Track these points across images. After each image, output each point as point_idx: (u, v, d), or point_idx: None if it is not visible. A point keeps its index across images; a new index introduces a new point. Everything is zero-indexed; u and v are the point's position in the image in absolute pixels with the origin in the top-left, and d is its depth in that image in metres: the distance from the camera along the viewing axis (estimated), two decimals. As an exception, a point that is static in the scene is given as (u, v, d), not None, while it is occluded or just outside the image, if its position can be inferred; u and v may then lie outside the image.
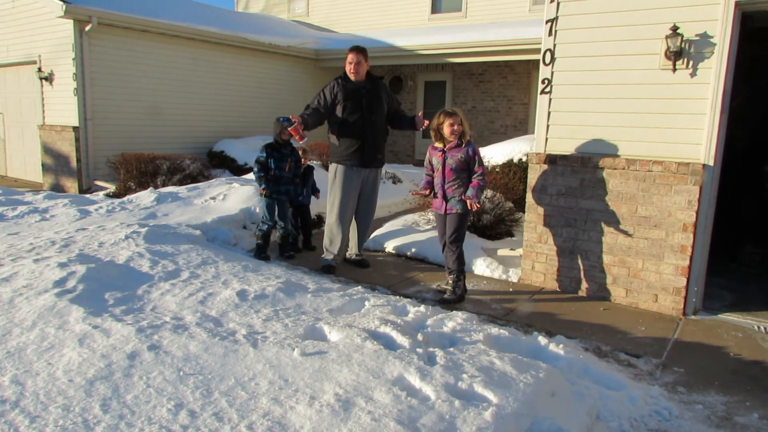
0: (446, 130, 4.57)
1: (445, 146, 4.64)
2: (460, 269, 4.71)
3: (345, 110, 5.27)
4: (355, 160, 5.36)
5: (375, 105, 5.36)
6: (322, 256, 5.59)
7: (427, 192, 4.83)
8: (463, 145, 4.59)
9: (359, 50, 5.30)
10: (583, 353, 3.64)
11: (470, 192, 4.54)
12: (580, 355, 3.49)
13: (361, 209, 5.59)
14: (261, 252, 5.73)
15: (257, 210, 6.68)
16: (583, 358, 3.46)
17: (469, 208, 4.55)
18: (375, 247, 6.33)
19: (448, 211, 4.68)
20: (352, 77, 5.28)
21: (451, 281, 4.74)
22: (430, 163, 4.80)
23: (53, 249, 4.62)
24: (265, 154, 5.70)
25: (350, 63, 5.25)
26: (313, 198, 6.48)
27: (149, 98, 10.12)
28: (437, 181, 4.71)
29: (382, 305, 3.78)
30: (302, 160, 6.19)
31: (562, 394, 2.76)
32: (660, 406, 3.11)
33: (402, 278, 5.36)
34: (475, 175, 4.58)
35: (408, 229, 6.53)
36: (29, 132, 10.82)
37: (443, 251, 4.89)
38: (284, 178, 5.76)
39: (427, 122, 5.11)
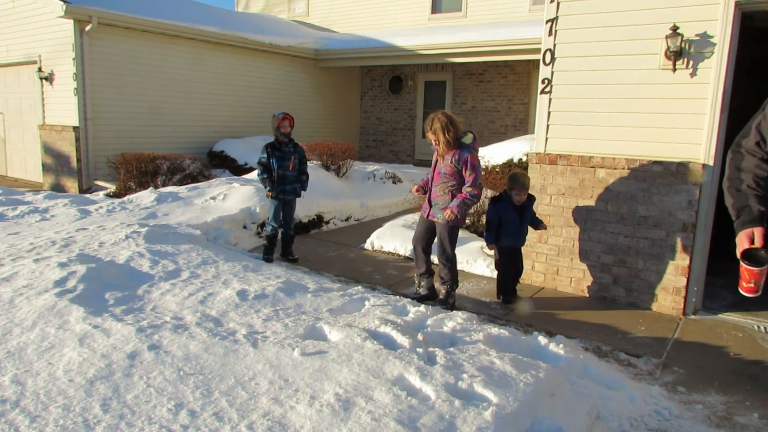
0: (431, 139, 4.36)
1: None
2: (454, 280, 4.51)
3: None
4: None
5: None
6: None
7: (417, 191, 4.65)
8: (457, 150, 4.25)
9: None
10: (583, 353, 3.65)
11: (453, 202, 4.26)
12: (580, 355, 3.49)
13: None
14: (268, 253, 5.71)
15: (257, 210, 6.68)
16: (583, 358, 3.46)
17: (446, 216, 4.27)
18: (375, 247, 6.33)
19: (430, 217, 4.47)
20: None
21: (444, 290, 4.55)
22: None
23: (53, 249, 4.62)
24: (266, 155, 5.61)
25: None
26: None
27: (149, 98, 10.13)
28: (429, 183, 4.54)
29: (382, 305, 3.78)
30: (523, 195, 4.64)
31: (562, 394, 2.76)
32: (660, 405, 3.11)
33: (402, 278, 5.36)
34: (465, 186, 4.27)
35: (408, 228, 6.54)
36: (29, 132, 10.83)
37: (414, 250, 4.70)
38: (289, 177, 5.67)
39: None
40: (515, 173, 4.70)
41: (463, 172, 4.27)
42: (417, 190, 4.66)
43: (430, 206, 4.47)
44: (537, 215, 4.90)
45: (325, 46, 12.81)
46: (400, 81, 13.88)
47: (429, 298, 4.65)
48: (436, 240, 4.52)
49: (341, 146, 9.05)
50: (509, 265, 4.75)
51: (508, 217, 4.62)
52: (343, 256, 6.17)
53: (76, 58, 9.11)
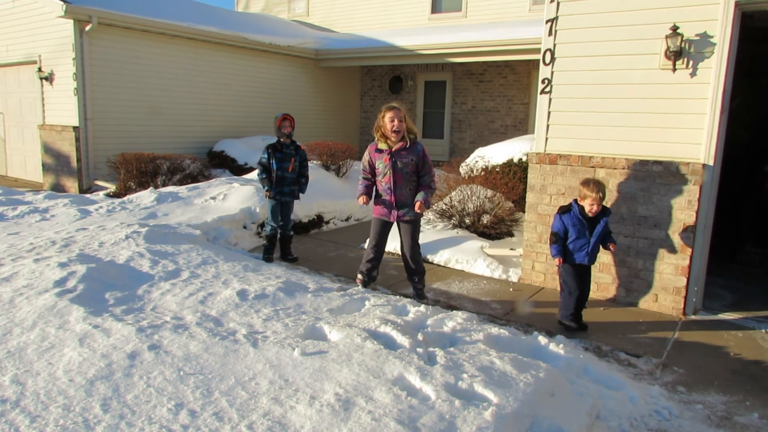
0: (387, 125, 4.21)
1: (391, 148, 4.28)
2: (424, 270, 4.67)
3: None
4: None
5: None
6: None
7: (364, 202, 4.42)
8: (411, 145, 4.28)
9: None
10: (583, 353, 3.65)
11: (421, 196, 4.26)
12: (580, 355, 3.49)
13: None
14: (267, 253, 5.73)
15: (257, 210, 6.68)
16: (583, 358, 3.47)
17: (418, 210, 4.28)
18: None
19: (399, 218, 4.40)
20: None
21: (420, 286, 4.65)
22: (371, 165, 4.40)
23: (53, 249, 4.62)
24: (266, 156, 5.63)
25: None
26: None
27: (149, 98, 10.13)
28: (385, 186, 4.36)
29: (382, 305, 3.78)
30: (596, 205, 4.05)
31: (562, 394, 2.76)
32: (660, 405, 3.11)
33: (402, 278, 5.35)
34: (425, 177, 4.33)
35: (408, 228, 6.52)
36: (29, 132, 10.83)
37: (370, 258, 4.55)
38: (287, 179, 5.68)
39: None
40: (589, 177, 4.36)
41: (421, 165, 4.34)
42: (366, 201, 4.44)
43: (397, 209, 4.37)
44: (537, 214, 4.83)
45: (325, 46, 12.81)
46: (400, 81, 13.87)
47: None
48: (405, 237, 4.47)
49: (341, 146, 9.05)
50: (573, 285, 4.20)
51: (577, 230, 4.11)
52: (343, 256, 6.17)
53: (76, 58, 9.11)
